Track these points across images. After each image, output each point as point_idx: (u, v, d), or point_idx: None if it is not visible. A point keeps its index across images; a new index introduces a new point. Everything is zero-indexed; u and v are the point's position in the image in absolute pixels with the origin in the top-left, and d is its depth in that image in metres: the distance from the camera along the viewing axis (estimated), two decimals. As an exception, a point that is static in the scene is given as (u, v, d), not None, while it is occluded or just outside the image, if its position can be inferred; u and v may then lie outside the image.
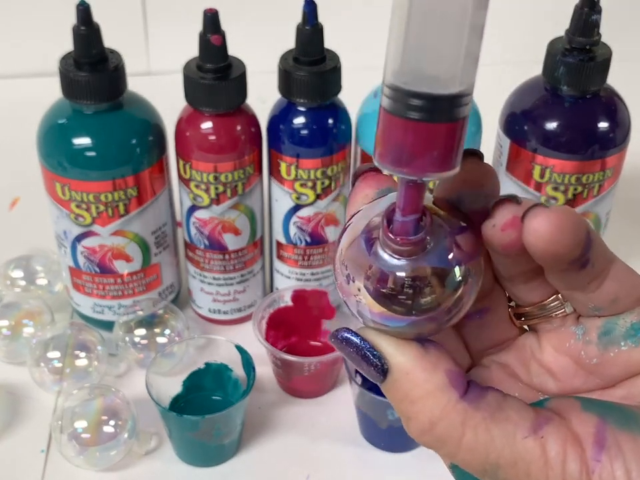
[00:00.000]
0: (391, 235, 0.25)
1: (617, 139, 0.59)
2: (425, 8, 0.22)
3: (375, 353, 0.26)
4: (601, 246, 0.27)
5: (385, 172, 0.24)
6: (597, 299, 0.27)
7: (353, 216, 0.27)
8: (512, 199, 0.26)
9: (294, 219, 0.61)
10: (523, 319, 0.30)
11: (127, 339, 0.61)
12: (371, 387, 0.57)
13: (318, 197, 0.60)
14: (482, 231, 0.26)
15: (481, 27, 0.23)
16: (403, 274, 0.25)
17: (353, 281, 0.26)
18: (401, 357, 0.26)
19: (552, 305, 0.29)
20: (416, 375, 0.26)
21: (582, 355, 0.28)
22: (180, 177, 0.60)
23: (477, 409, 0.25)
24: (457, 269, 0.25)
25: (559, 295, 0.28)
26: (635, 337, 0.27)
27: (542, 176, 0.59)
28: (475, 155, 0.27)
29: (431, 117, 0.23)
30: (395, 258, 0.25)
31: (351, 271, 0.26)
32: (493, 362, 0.30)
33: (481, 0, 0.22)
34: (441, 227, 0.26)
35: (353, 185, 0.29)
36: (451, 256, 0.25)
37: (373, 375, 0.26)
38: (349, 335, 0.27)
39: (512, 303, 0.30)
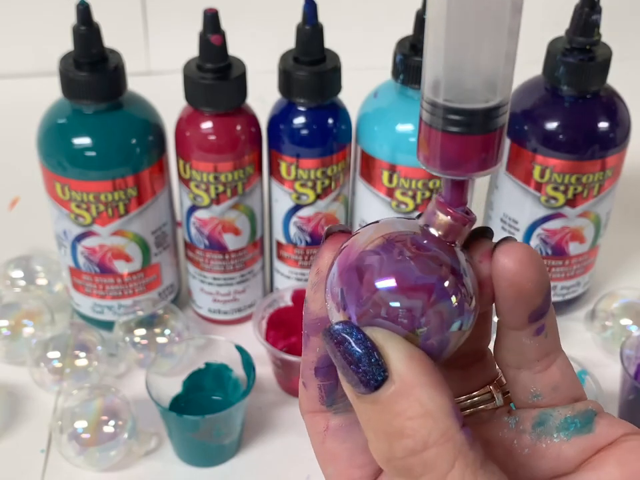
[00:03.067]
0: (446, 207, 0.25)
1: (617, 138, 0.59)
2: (463, 20, 0.22)
3: (375, 356, 0.24)
4: (555, 323, 0.27)
5: (432, 173, 0.25)
6: (540, 382, 0.27)
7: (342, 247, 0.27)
8: (486, 232, 0.27)
9: (294, 218, 0.61)
10: None
11: (127, 339, 0.61)
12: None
13: (318, 196, 0.60)
14: None
15: (517, 32, 0.23)
16: (397, 304, 0.24)
17: (344, 309, 0.25)
18: (409, 367, 0.24)
19: (482, 396, 0.29)
20: (423, 390, 0.24)
21: (514, 444, 0.28)
22: (180, 176, 0.60)
23: (471, 448, 0.24)
24: (455, 301, 0.25)
25: (490, 387, 0.29)
26: (567, 431, 0.27)
27: (542, 176, 0.59)
28: None
29: (471, 130, 0.24)
30: (437, 235, 0.25)
31: (343, 298, 0.25)
32: None
33: (517, 3, 0.22)
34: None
35: (323, 242, 0.28)
36: (459, 287, 0.25)
37: (358, 383, 0.24)
38: (347, 329, 0.24)
39: None
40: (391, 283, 0.24)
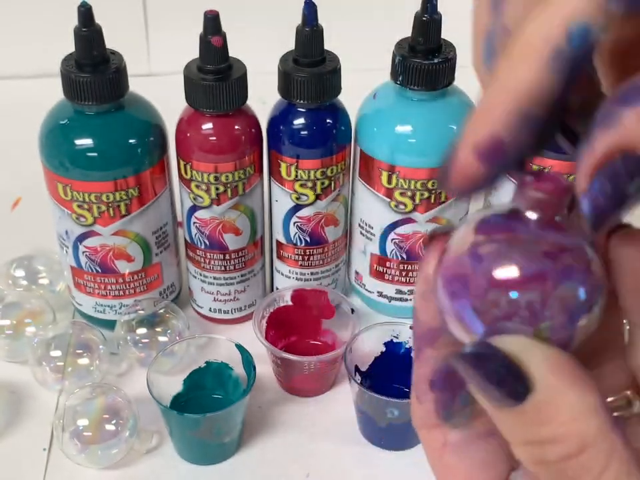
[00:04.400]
0: (533, 184, 0.23)
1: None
2: None
3: (515, 370, 0.22)
4: None
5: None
6: None
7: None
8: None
9: (294, 219, 0.61)
10: None
11: (128, 338, 0.61)
12: (370, 385, 0.57)
13: (318, 197, 0.60)
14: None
15: None
16: (517, 299, 0.22)
17: (462, 318, 0.24)
18: (552, 374, 0.22)
19: (618, 401, 0.26)
20: (569, 393, 0.22)
21: None
22: (180, 177, 0.60)
23: (625, 447, 0.23)
24: (584, 284, 0.23)
25: (628, 392, 0.26)
26: None
27: (540, 176, 0.60)
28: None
29: None
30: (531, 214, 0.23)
31: (456, 288, 0.24)
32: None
33: None
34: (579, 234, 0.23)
35: (427, 247, 0.26)
36: (583, 268, 0.23)
37: (500, 398, 0.23)
38: (481, 349, 0.23)
39: None
40: (503, 278, 0.23)
